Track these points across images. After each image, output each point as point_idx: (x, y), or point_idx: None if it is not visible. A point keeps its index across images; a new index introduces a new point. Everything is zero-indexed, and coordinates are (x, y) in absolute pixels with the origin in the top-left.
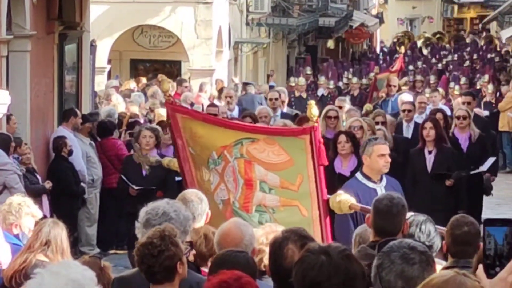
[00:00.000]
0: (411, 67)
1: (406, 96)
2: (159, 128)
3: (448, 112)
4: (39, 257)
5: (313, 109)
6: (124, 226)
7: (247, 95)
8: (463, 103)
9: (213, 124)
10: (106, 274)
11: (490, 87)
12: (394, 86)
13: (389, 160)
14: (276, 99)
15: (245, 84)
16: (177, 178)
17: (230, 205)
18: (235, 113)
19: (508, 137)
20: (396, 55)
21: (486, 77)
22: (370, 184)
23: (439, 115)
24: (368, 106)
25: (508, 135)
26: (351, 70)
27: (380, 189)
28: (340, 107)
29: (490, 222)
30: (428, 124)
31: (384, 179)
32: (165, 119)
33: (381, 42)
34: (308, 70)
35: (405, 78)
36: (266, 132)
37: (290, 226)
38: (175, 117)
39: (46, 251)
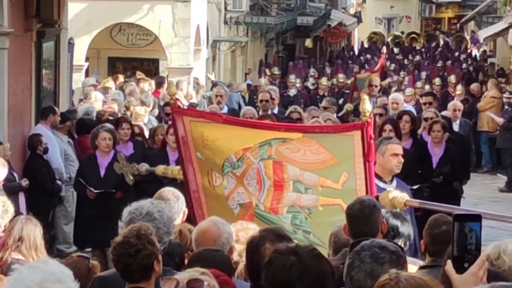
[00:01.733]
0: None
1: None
2: (113, 128)
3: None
4: (14, 255)
5: (366, 105)
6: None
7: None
8: (424, 103)
9: (236, 125)
10: (94, 273)
11: (459, 87)
12: (376, 86)
13: (402, 160)
14: (267, 100)
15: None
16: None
17: (252, 208)
18: (224, 111)
19: (486, 137)
20: (368, 56)
21: (453, 77)
22: (381, 184)
23: (406, 118)
24: (348, 106)
25: (486, 135)
26: (312, 69)
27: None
28: (325, 108)
29: (463, 217)
30: (388, 126)
31: (395, 181)
32: (142, 117)
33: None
34: (275, 70)
35: (388, 79)
36: (305, 130)
37: (331, 225)
38: (181, 121)
39: (20, 247)
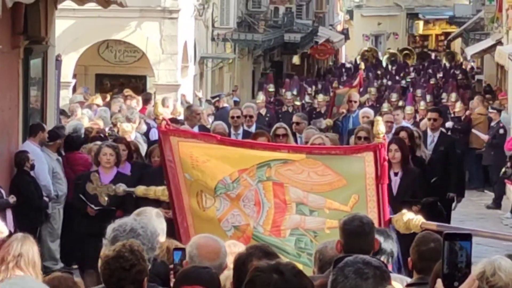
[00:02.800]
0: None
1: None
2: (118, 145)
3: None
4: (15, 271)
5: (380, 126)
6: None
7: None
8: (429, 119)
9: (232, 146)
10: None
11: (458, 104)
12: (355, 102)
13: None
14: (238, 117)
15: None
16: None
17: (248, 231)
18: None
19: (473, 154)
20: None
21: (454, 95)
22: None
23: (403, 134)
24: (328, 121)
25: (474, 151)
26: (313, 87)
27: None
28: (298, 123)
29: (454, 236)
30: (394, 146)
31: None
32: (128, 134)
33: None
34: (271, 87)
35: (366, 96)
36: (309, 151)
37: None
38: (168, 142)
39: (20, 262)
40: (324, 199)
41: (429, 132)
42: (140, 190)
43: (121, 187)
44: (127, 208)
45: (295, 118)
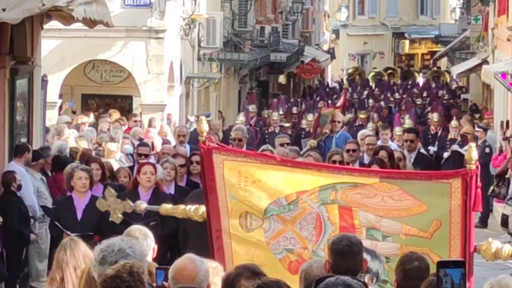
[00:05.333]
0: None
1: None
2: (90, 168)
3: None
4: None
5: (473, 153)
6: None
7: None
8: (406, 140)
9: (293, 168)
10: None
11: (454, 122)
12: (339, 122)
13: None
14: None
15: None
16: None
17: (306, 254)
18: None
19: None
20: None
21: (435, 115)
22: None
23: (382, 153)
24: (312, 142)
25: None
26: (299, 106)
27: None
28: (284, 144)
29: (444, 263)
30: (374, 167)
31: None
32: (114, 153)
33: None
34: (252, 108)
35: (349, 115)
36: (387, 176)
37: None
38: (209, 159)
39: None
40: (400, 224)
41: (406, 153)
42: (166, 208)
43: (142, 205)
44: (104, 233)
45: (280, 140)
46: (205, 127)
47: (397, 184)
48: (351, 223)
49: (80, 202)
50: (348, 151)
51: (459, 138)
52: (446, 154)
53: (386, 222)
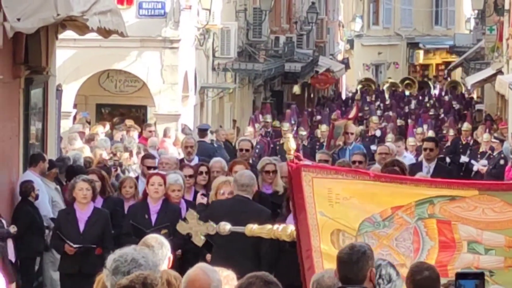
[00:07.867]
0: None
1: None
2: (94, 179)
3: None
4: None
5: None
6: None
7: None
8: (425, 149)
9: (388, 183)
10: None
11: (486, 136)
12: (352, 134)
13: None
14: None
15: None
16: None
17: (403, 271)
18: (195, 162)
19: None
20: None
21: (466, 125)
22: None
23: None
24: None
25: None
26: (317, 117)
27: None
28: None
29: (463, 275)
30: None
31: None
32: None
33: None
34: (268, 118)
35: (361, 127)
36: (489, 188)
37: None
38: (298, 178)
39: None
40: (503, 237)
41: (424, 162)
42: (252, 229)
43: (227, 226)
44: (107, 246)
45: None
46: (292, 145)
47: (498, 196)
48: (451, 237)
49: (83, 214)
50: (354, 162)
51: (489, 152)
52: (477, 167)
53: (488, 235)
